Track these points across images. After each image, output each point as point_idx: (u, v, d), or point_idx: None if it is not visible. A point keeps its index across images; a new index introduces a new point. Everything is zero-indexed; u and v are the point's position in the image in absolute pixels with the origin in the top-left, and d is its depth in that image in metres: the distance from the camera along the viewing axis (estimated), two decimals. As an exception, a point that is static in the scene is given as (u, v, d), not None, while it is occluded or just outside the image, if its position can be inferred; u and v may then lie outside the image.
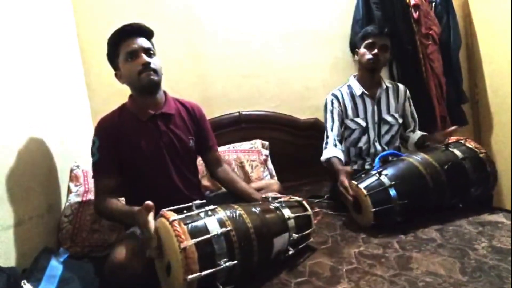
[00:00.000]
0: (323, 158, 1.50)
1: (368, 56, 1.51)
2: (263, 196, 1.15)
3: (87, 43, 1.75)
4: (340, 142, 1.55)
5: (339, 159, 1.43)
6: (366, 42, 1.53)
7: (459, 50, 2.11)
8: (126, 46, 1.13)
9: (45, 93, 1.29)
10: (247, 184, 1.30)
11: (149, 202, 0.87)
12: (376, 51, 1.50)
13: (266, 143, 1.88)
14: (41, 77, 1.28)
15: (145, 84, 1.13)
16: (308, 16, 2.05)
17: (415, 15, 2.01)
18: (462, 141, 1.32)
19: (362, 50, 1.55)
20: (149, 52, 1.15)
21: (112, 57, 1.18)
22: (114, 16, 1.75)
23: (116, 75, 1.21)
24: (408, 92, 1.65)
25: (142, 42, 1.14)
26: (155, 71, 1.14)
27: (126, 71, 1.14)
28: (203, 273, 0.74)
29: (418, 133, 1.60)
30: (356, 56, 1.62)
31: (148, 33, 1.18)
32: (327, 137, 1.56)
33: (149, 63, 1.12)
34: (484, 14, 2.10)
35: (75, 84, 1.65)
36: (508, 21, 1.86)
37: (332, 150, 1.49)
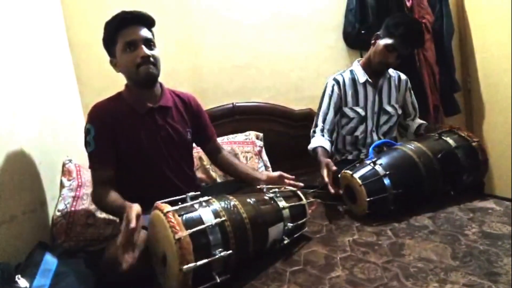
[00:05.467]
0: (310, 147, 1.48)
1: (387, 60, 1.45)
2: (258, 187, 1.16)
3: (76, 35, 1.71)
4: (330, 132, 1.52)
5: (324, 150, 1.41)
6: (392, 42, 1.39)
7: (451, 38, 2.11)
8: (126, 34, 1.08)
9: (36, 88, 1.26)
10: (248, 166, 1.29)
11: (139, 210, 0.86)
12: (395, 60, 1.45)
13: (261, 134, 1.88)
14: (31, 71, 1.25)
15: (143, 77, 1.10)
16: (301, 5, 2.03)
17: (408, 3, 2.00)
18: (455, 130, 1.33)
19: (383, 44, 1.42)
20: (149, 43, 1.11)
21: (109, 43, 1.13)
22: (103, 7, 1.71)
23: (111, 62, 1.16)
24: (409, 82, 1.62)
25: (143, 32, 1.10)
26: (154, 64, 1.10)
27: (124, 61, 1.10)
28: (199, 263, 0.74)
29: (417, 122, 1.60)
30: (372, 45, 1.50)
31: (149, 23, 1.13)
32: (316, 125, 1.53)
33: (149, 56, 1.08)
34: (477, 2, 2.10)
35: (65, 78, 1.62)
36: (502, 9, 1.87)
37: (319, 140, 1.46)
